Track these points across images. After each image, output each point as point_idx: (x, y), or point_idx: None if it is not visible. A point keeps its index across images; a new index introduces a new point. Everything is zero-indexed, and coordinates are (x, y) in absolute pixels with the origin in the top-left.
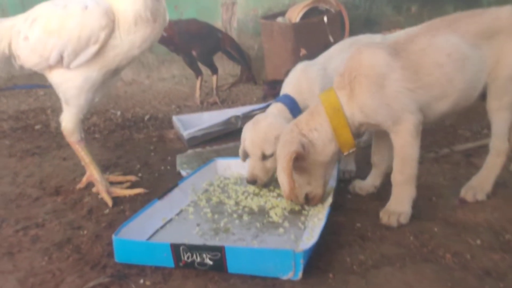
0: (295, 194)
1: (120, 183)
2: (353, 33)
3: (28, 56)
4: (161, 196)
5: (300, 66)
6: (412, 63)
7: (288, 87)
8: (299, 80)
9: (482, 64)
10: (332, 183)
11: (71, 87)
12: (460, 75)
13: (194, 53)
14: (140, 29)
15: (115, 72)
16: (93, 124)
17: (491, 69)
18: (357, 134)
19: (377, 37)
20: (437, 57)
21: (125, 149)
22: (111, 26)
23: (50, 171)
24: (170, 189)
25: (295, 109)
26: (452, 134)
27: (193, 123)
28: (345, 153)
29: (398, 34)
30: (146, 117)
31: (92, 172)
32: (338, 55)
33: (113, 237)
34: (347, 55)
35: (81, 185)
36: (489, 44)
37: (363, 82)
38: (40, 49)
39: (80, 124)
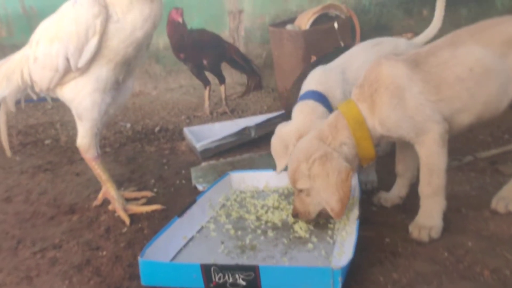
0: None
1: (136, 199)
2: (364, 38)
3: (41, 74)
4: (180, 213)
5: (319, 70)
6: (433, 76)
7: (310, 85)
8: (320, 79)
9: (509, 75)
10: (356, 194)
11: (84, 98)
12: (483, 89)
13: (205, 62)
14: (137, 6)
15: (126, 70)
16: (103, 137)
17: None
18: (377, 145)
19: (401, 41)
20: (459, 71)
21: (137, 163)
22: (105, 12)
23: (63, 187)
24: (188, 206)
25: (326, 103)
26: (473, 140)
27: (205, 134)
28: (364, 166)
29: (420, 40)
30: (157, 129)
31: (109, 190)
32: (359, 56)
33: (139, 259)
34: (369, 56)
35: (97, 202)
36: None
37: (384, 95)
38: (48, 62)
39: (96, 139)
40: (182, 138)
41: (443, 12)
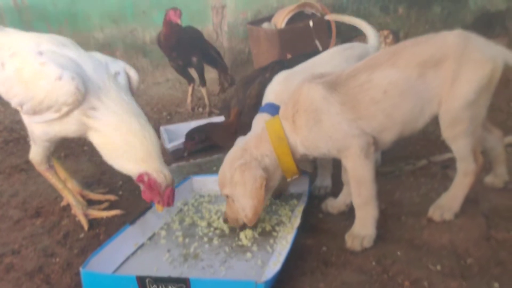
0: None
1: (99, 201)
2: (340, 36)
3: None
4: (132, 221)
5: (281, 76)
6: (349, 98)
7: (270, 96)
8: (280, 88)
9: (426, 94)
10: (303, 201)
11: (35, 131)
12: (398, 110)
13: (194, 59)
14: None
15: None
16: None
17: (440, 98)
18: (304, 161)
19: (370, 47)
20: (374, 94)
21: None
22: (77, 104)
23: (33, 189)
24: (142, 213)
25: None
26: (433, 143)
27: (181, 133)
28: (289, 179)
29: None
30: None
31: (67, 197)
32: (328, 61)
33: (81, 269)
34: (338, 61)
35: (64, 203)
36: (435, 74)
37: (303, 117)
38: (6, 85)
39: (48, 156)
40: (159, 137)
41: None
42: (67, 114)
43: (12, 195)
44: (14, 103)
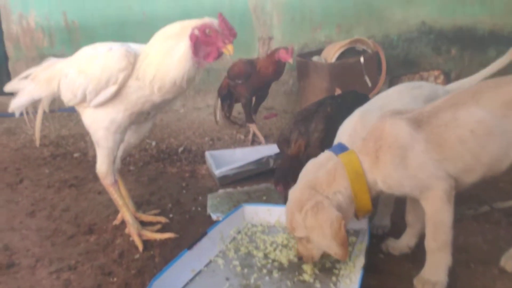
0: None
1: (151, 223)
2: (390, 73)
3: (65, 92)
4: (190, 246)
5: (358, 113)
6: (435, 137)
7: (343, 136)
8: (355, 128)
9: (510, 136)
10: (365, 240)
11: (99, 129)
12: (485, 150)
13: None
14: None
15: (145, 116)
16: (129, 154)
17: None
18: (376, 199)
19: (439, 87)
20: (460, 133)
21: (158, 185)
22: (130, 68)
23: (85, 205)
24: (199, 238)
25: None
26: (493, 188)
27: (225, 159)
28: (360, 217)
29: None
30: (180, 150)
31: (125, 214)
32: (397, 98)
33: None
34: (406, 99)
35: (116, 221)
36: None
37: (387, 153)
38: (71, 86)
39: (113, 166)
40: (204, 161)
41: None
42: (124, 82)
43: (64, 209)
44: (79, 95)
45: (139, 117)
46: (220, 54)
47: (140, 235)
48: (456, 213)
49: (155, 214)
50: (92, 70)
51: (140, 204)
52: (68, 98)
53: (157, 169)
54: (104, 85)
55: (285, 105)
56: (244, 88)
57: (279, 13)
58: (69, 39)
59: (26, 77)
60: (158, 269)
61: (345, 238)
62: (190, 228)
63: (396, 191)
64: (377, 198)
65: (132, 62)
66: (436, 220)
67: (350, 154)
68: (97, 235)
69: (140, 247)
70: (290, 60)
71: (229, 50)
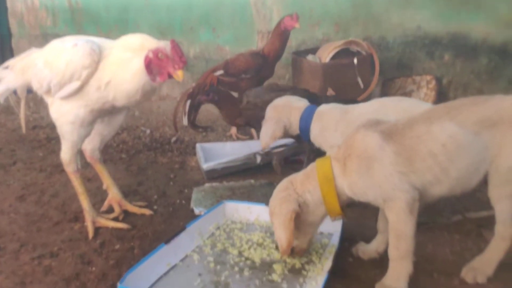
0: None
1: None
2: (383, 75)
3: (34, 81)
4: (168, 240)
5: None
6: (406, 149)
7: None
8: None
9: (481, 153)
10: (335, 243)
11: (65, 123)
12: (455, 165)
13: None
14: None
15: (110, 113)
16: (122, 141)
17: (493, 158)
18: (349, 203)
19: (425, 105)
20: (432, 146)
21: (146, 175)
22: (94, 66)
23: (73, 192)
24: (177, 233)
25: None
26: (469, 197)
27: (216, 153)
28: (332, 219)
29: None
30: (173, 139)
31: (82, 202)
32: (372, 105)
33: (118, 285)
34: (386, 110)
35: (103, 208)
36: (490, 133)
37: (354, 162)
38: (38, 76)
39: (77, 155)
40: (194, 153)
41: None
42: (87, 80)
43: (53, 195)
44: (44, 87)
45: (101, 114)
46: (170, 77)
47: (94, 222)
48: (429, 221)
49: (141, 207)
50: (57, 64)
51: (127, 194)
52: (36, 87)
53: (148, 158)
54: (68, 80)
55: None
56: (250, 82)
57: (279, 7)
58: (71, 19)
59: (6, 67)
60: (136, 261)
61: (291, 232)
62: (172, 221)
63: (361, 198)
64: (351, 203)
65: (96, 61)
66: (398, 230)
67: (326, 159)
68: (81, 223)
69: (91, 234)
70: (297, 25)
71: (178, 75)
